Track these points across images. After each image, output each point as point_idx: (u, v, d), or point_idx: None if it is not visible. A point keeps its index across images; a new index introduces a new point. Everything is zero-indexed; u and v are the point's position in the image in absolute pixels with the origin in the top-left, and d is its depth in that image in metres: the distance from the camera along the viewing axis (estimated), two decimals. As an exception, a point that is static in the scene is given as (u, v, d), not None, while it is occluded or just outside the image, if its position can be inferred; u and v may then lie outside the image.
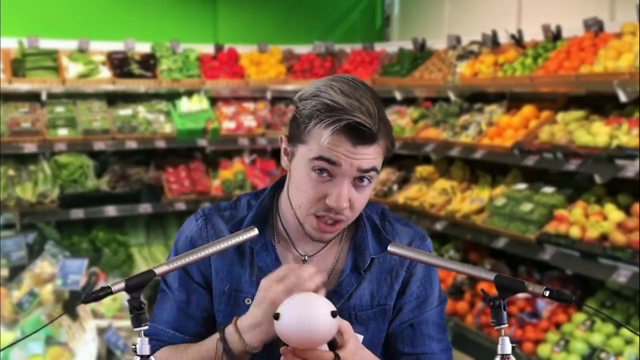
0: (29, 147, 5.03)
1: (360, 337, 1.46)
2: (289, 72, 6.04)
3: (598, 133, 3.78)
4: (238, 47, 6.04)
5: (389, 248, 1.34)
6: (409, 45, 5.83)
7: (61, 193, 5.05)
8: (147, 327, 1.24)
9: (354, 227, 1.52)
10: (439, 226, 4.63)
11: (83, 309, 3.88)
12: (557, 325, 3.87)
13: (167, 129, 5.45)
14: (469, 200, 4.55)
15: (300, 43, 6.36)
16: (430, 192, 4.92)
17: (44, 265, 4.35)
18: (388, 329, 1.54)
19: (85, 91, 5.41)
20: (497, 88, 4.80)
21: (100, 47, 5.54)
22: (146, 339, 1.23)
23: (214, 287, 1.51)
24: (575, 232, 3.67)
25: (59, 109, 5.27)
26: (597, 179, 3.73)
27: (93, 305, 3.98)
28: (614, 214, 3.65)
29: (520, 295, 3.40)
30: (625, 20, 4.08)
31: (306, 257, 1.50)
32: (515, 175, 4.51)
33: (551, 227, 3.81)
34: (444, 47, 5.44)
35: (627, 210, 3.66)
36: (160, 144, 5.42)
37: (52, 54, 5.31)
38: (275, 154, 5.89)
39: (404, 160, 5.44)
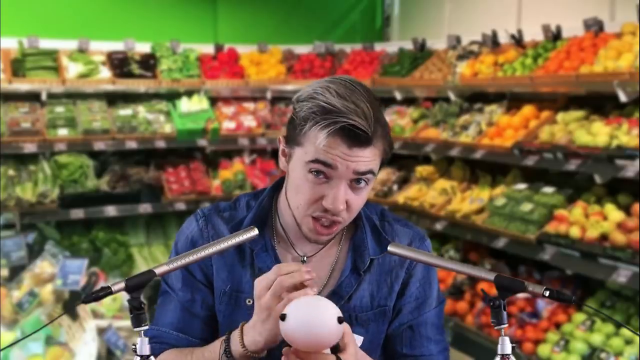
0: (29, 147, 5.03)
1: (360, 339, 1.46)
2: (289, 72, 6.04)
3: (598, 133, 3.78)
4: (238, 47, 6.04)
5: (389, 248, 1.34)
6: (409, 45, 5.83)
7: (61, 193, 5.05)
8: (147, 327, 1.24)
9: (353, 228, 1.52)
10: (439, 226, 4.63)
11: (83, 309, 3.88)
12: (557, 325, 3.87)
13: (167, 129, 5.46)
14: (469, 200, 4.55)
15: (300, 43, 6.36)
16: (430, 192, 4.92)
17: (44, 265, 4.35)
18: (387, 330, 1.54)
19: (85, 91, 5.41)
20: (497, 88, 4.79)
21: (100, 47, 5.54)
22: (146, 339, 1.23)
23: (215, 287, 1.51)
24: (575, 232, 3.67)
25: (59, 109, 5.27)
26: (597, 179, 3.73)
27: (93, 305, 3.98)
28: (614, 214, 3.65)
29: (520, 295, 3.40)
30: (625, 20, 4.08)
31: (305, 258, 1.50)
32: (515, 175, 4.51)
33: (551, 227, 3.81)
34: (444, 47, 5.44)
35: (627, 210, 3.66)
36: (160, 144, 5.42)
37: (52, 54, 5.31)
38: (275, 154, 5.88)
39: (404, 160, 5.44)
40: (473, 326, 4.27)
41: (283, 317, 1.25)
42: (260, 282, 1.31)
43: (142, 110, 5.53)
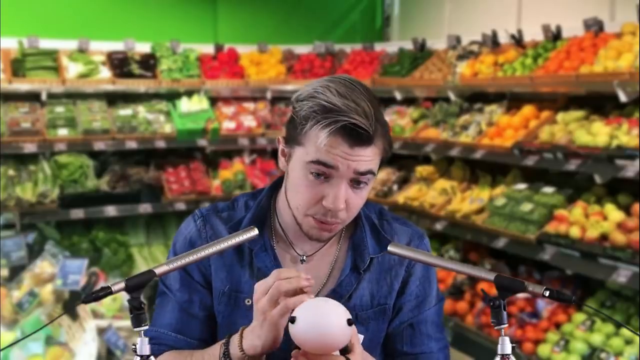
0: (29, 147, 5.03)
1: (361, 337, 1.46)
2: (289, 72, 6.04)
3: (598, 133, 3.78)
4: (238, 47, 6.04)
5: (389, 248, 1.34)
6: (409, 45, 5.83)
7: (61, 193, 5.05)
8: (147, 327, 1.23)
9: (353, 227, 1.52)
10: (439, 226, 4.63)
11: (83, 309, 3.88)
12: (557, 325, 3.87)
13: (167, 129, 5.46)
14: (469, 200, 4.55)
15: (300, 43, 6.36)
16: (430, 192, 4.92)
17: (44, 265, 4.35)
18: (387, 328, 1.54)
19: (85, 91, 5.41)
20: (497, 88, 4.79)
21: (100, 47, 5.54)
22: (146, 339, 1.23)
23: (214, 287, 1.51)
24: (575, 232, 3.67)
25: (59, 109, 5.27)
26: (597, 179, 3.73)
27: (93, 305, 3.98)
28: (614, 214, 3.65)
29: (520, 295, 3.40)
30: (625, 20, 4.08)
31: (304, 257, 1.50)
32: (515, 175, 4.51)
33: (551, 227, 3.81)
34: (444, 47, 5.44)
35: (627, 210, 3.66)
36: (160, 144, 5.42)
37: (52, 54, 5.31)
38: (276, 154, 5.88)
39: (404, 160, 5.44)
40: (473, 326, 4.27)
41: (293, 320, 1.25)
42: (259, 286, 1.31)
43: (142, 110, 5.53)
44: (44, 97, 5.25)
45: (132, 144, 5.32)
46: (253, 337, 1.31)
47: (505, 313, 1.26)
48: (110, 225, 5.46)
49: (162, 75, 5.56)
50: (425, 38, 5.74)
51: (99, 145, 5.24)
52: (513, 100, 4.77)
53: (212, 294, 1.51)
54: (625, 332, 3.56)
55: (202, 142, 5.58)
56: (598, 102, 4.14)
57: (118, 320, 4.02)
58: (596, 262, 3.53)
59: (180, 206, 5.43)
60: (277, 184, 1.54)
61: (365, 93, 1.34)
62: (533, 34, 4.67)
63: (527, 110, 4.48)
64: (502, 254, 4.39)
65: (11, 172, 5.01)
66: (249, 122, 5.78)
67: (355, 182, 1.36)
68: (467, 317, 4.37)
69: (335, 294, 1.46)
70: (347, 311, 1.28)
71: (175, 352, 1.49)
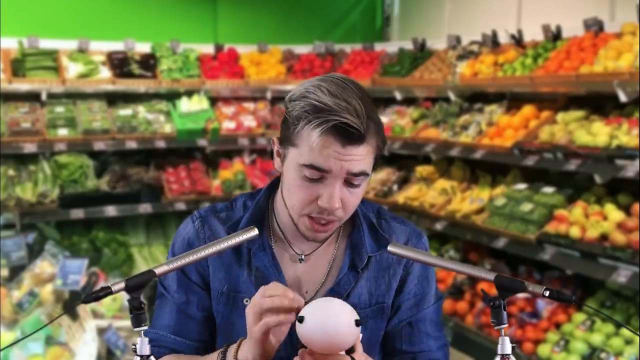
0: (29, 147, 5.03)
1: (360, 336, 1.46)
2: (289, 72, 6.04)
3: (598, 133, 3.78)
4: (238, 47, 6.04)
5: (389, 248, 1.34)
6: (409, 45, 5.83)
7: (61, 193, 5.05)
8: (147, 327, 1.24)
9: (351, 226, 1.52)
10: (439, 226, 4.63)
11: (83, 309, 3.88)
12: (557, 325, 3.87)
13: (167, 129, 5.46)
14: (469, 200, 4.55)
15: (300, 43, 6.36)
16: (430, 192, 4.92)
17: (44, 265, 4.35)
18: (386, 327, 1.54)
19: (85, 91, 5.41)
20: (497, 88, 4.79)
21: (100, 47, 5.54)
22: (146, 339, 1.24)
23: (213, 287, 1.51)
24: (575, 232, 3.67)
25: (59, 109, 5.27)
26: (597, 179, 3.73)
27: (93, 305, 3.98)
28: (614, 214, 3.65)
29: (520, 295, 3.40)
30: (625, 20, 4.08)
31: (303, 256, 1.50)
32: (515, 175, 4.51)
33: (551, 227, 3.81)
34: (444, 47, 5.44)
35: (627, 210, 3.66)
36: (160, 144, 5.42)
37: (52, 54, 5.31)
38: (275, 154, 5.88)
39: (404, 160, 5.44)
40: (473, 326, 4.27)
41: (301, 319, 1.25)
42: (251, 302, 1.32)
43: (142, 110, 5.53)
44: (44, 97, 5.25)
45: (132, 144, 5.32)
46: (246, 349, 1.33)
47: (505, 313, 1.26)
48: (110, 225, 5.46)
49: (162, 75, 5.56)
50: (425, 38, 5.74)
51: (99, 145, 5.24)
52: (513, 100, 4.77)
53: (210, 294, 1.51)
54: (625, 332, 3.56)
55: (202, 142, 5.58)
56: (598, 102, 4.14)
57: (118, 320, 4.02)
58: (596, 262, 3.53)
59: (180, 206, 5.43)
60: (275, 184, 1.54)
61: (357, 91, 1.34)
62: (533, 34, 4.67)
63: (527, 110, 4.48)
64: (502, 254, 4.39)
65: (11, 172, 5.01)
66: (249, 122, 5.78)
67: (349, 183, 1.36)
68: (467, 317, 4.37)
69: (333, 293, 1.47)
70: (355, 312, 1.28)
71: (174, 356, 1.49)
